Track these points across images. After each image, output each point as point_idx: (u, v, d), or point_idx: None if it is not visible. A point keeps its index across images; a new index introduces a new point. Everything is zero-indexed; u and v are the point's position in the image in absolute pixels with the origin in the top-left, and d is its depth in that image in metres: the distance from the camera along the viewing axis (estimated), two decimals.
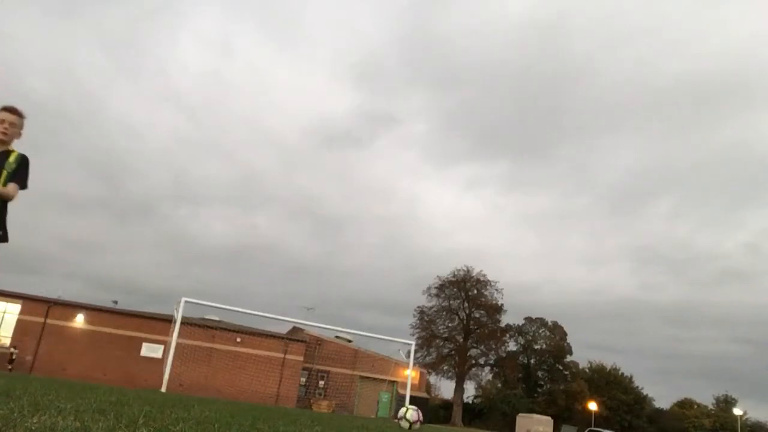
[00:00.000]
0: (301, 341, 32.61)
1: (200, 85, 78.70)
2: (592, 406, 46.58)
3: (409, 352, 25.84)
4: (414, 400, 23.45)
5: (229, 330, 30.61)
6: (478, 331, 50.67)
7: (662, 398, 69.94)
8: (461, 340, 50.37)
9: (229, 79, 79.96)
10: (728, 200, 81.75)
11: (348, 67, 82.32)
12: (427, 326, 50.33)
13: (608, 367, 55.05)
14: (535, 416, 38.33)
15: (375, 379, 35.60)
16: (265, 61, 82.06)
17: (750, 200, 79.97)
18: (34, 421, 1.21)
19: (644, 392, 54.98)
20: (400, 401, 31.59)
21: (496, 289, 50.09)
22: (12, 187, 3.45)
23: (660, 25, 75.07)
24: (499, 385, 53.71)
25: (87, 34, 73.63)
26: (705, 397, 64.51)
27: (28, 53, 67.03)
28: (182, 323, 19.14)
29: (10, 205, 3.48)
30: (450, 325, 51.10)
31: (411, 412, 4.45)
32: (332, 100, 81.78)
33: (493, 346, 52.05)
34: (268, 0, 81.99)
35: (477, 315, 50.71)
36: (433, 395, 52.46)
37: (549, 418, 38.39)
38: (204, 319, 30.51)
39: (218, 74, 79.68)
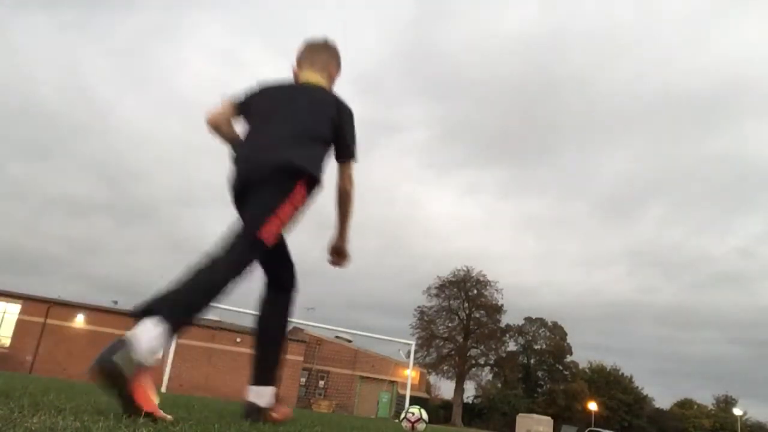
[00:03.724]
0: (301, 341, 32.63)
1: (206, 93, 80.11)
2: (592, 406, 46.59)
3: (409, 352, 25.81)
4: (414, 400, 23.45)
5: (229, 330, 30.62)
6: (478, 331, 50.67)
7: (662, 398, 70.28)
8: (461, 340, 50.37)
9: (234, 87, 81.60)
10: (720, 206, 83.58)
11: (350, 78, 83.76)
12: (427, 326, 50.35)
13: (608, 367, 55.11)
14: (535, 416, 38.32)
15: (375, 379, 35.62)
16: (270, 71, 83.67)
17: (741, 206, 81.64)
18: (34, 421, 1.21)
19: (644, 392, 55.05)
20: (400, 401, 31.59)
21: (496, 290, 50.17)
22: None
23: (652, 38, 76.53)
24: (499, 385, 53.69)
25: (96, 44, 74.86)
26: (705, 397, 64.82)
27: (39, 64, 68.15)
28: None
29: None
30: (450, 325, 51.13)
31: (413, 411, 4.45)
32: None
33: (493, 346, 52.05)
34: (274, 13, 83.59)
35: (477, 315, 50.72)
36: (433, 395, 52.47)
37: (549, 418, 38.37)
38: (204, 319, 30.54)
39: (223, 83, 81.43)
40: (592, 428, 40.18)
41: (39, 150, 68.47)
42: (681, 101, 78.67)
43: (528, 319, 56.32)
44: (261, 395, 2.23)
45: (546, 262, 78.81)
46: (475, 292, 50.34)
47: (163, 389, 16.97)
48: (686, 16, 76.93)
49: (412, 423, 4.34)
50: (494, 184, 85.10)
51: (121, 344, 1.64)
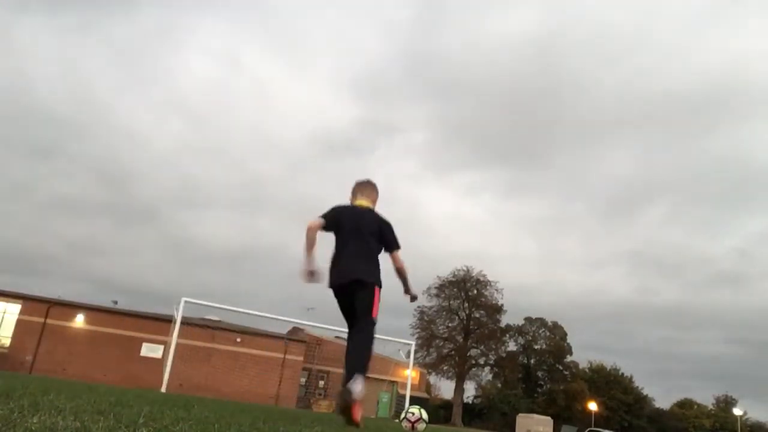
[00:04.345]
0: (301, 341, 32.61)
1: (207, 94, 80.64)
2: (592, 406, 46.57)
3: (409, 352, 25.81)
4: (414, 400, 23.44)
5: (229, 330, 30.60)
6: (478, 331, 50.63)
7: (662, 398, 70.23)
8: (461, 340, 50.33)
9: (236, 90, 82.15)
10: (719, 206, 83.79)
11: (350, 79, 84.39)
12: (427, 326, 50.30)
13: (608, 367, 55.08)
14: (535, 416, 38.32)
15: (375, 379, 35.59)
16: (271, 73, 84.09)
17: (740, 207, 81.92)
18: (34, 421, 1.21)
19: (644, 392, 55.02)
20: (400, 401, 31.60)
21: (496, 290, 50.09)
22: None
23: (651, 40, 76.73)
24: (499, 385, 53.66)
25: (97, 45, 75.18)
26: (705, 397, 64.78)
27: (41, 65, 68.36)
28: (182, 323, 19.10)
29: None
30: (450, 325, 51.08)
31: (413, 411, 4.50)
32: (335, 111, 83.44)
33: (493, 346, 52.01)
34: (275, 15, 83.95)
35: (477, 315, 50.68)
36: (433, 395, 52.44)
37: (549, 418, 38.38)
38: (204, 319, 30.50)
39: (225, 84, 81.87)
40: (592, 428, 40.17)
41: (40, 151, 68.58)
42: (680, 102, 78.75)
43: (528, 319, 56.28)
44: (354, 380, 3.71)
45: (546, 263, 78.75)
46: (475, 292, 50.30)
47: (163, 389, 16.96)
48: (685, 18, 76.94)
49: (412, 423, 4.35)
50: (495, 184, 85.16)
51: (348, 390, 3.65)
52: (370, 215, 4.33)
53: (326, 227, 4.23)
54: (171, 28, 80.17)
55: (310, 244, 4.11)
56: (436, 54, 79.93)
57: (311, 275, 4.09)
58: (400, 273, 4.39)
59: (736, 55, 75.62)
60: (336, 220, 4.24)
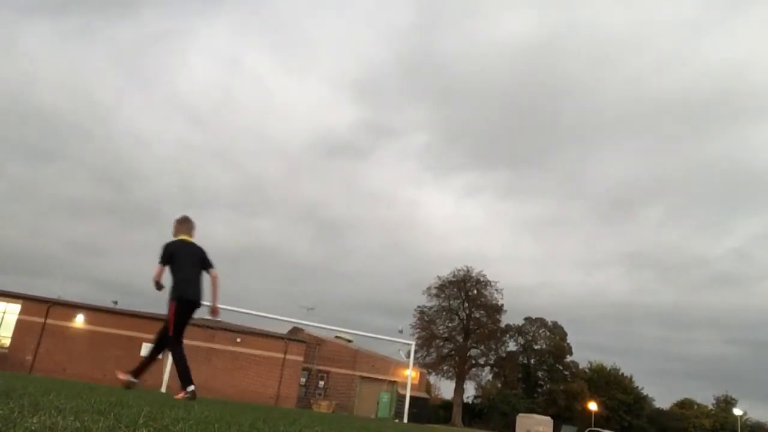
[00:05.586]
0: (301, 341, 32.61)
1: (208, 96, 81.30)
2: (592, 406, 46.56)
3: (409, 352, 25.79)
4: (414, 400, 23.45)
5: (229, 330, 30.60)
6: (478, 331, 50.59)
7: (662, 398, 70.15)
8: (461, 340, 50.30)
9: (236, 92, 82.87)
10: (717, 208, 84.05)
11: (350, 82, 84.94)
12: (427, 326, 50.26)
13: (608, 367, 55.04)
14: (535, 416, 38.30)
15: (375, 379, 35.60)
16: (271, 76, 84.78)
17: (738, 208, 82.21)
18: (34, 421, 1.21)
19: (644, 392, 54.95)
20: (400, 401, 31.59)
21: (496, 290, 50.00)
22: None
23: (650, 43, 77.17)
24: (499, 385, 53.62)
25: (100, 49, 75.65)
26: (705, 397, 64.74)
27: (44, 68, 68.64)
28: None
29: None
30: (450, 325, 51.03)
31: None
32: (335, 113, 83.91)
33: (493, 346, 51.98)
34: (276, 18, 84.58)
35: (477, 315, 50.62)
36: (433, 395, 52.43)
37: (549, 418, 38.35)
38: (204, 319, 30.48)
39: (226, 86, 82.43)
40: (592, 428, 40.17)
41: (42, 153, 68.74)
42: (678, 105, 78.92)
43: (528, 319, 56.24)
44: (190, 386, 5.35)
45: (546, 263, 78.92)
46: (475, 292, 50.25)
47: (163, 389, 16.95)
48: (683, 21, 77.14)
49: None
50: (494, 186, 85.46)
51: (193, 392, 5.49)
52: (195, 247, 6.12)
53: (167, 265, 5.88)
54: (172, 30, 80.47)
55: (158, 276, 5.80)
56: (436, 56, 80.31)
57: (158, 286, 5.79)
58: (214, 284, 6.06)
59: (735, 58, 75.93)
60: (171, 254, 5.86)
